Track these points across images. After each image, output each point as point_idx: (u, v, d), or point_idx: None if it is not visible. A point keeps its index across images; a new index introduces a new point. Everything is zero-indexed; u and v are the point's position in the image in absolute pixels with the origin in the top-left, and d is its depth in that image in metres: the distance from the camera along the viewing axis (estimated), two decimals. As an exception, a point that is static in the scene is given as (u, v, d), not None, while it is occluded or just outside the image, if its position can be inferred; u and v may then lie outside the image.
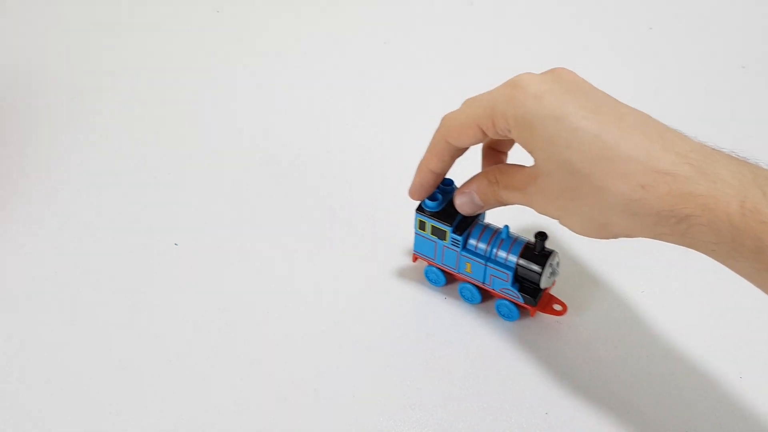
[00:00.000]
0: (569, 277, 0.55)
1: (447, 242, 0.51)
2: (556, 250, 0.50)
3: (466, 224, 0.50)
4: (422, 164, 0.49)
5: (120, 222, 0.60)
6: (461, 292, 0.53)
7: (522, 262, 0.49)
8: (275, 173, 0.65)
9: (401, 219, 0.56)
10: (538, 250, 0.49)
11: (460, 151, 0.47)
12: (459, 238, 0.50)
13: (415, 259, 0.55)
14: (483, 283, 0.51)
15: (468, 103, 0.46)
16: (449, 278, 0.54)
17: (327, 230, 0.59)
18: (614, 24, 0.84)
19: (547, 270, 0.48)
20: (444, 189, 0.51)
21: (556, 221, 0.43)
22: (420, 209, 0.52)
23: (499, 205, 0.48)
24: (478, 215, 0.51)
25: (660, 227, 0.38)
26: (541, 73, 0.43)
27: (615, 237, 0.42)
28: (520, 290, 0.50)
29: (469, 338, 0.52)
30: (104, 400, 0.48)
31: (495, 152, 0.51)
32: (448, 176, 0.51)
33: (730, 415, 0.47)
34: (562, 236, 0.57)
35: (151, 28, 0.82)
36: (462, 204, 0.49)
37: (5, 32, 0.81)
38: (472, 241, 0.51)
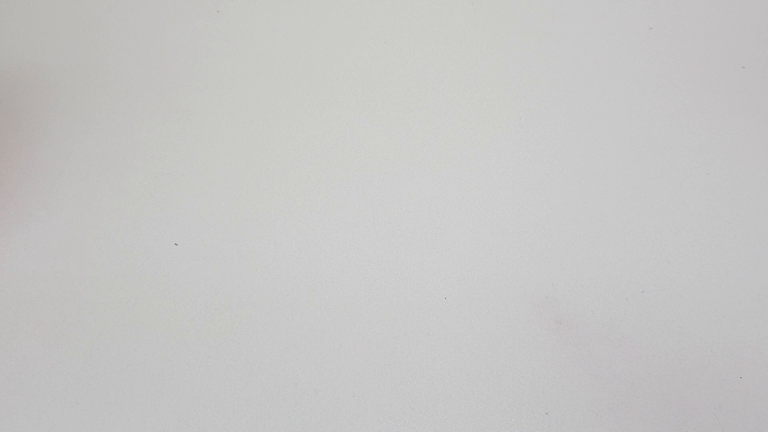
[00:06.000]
0: (569, 276, 0.55)
1: None
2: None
3: None
4: None
5: (120, 222, 0.60)
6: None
7: None
8: (275, 173, 0.65)
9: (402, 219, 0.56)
10: None
11: None
12: None
13: None
14: None
15: None
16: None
17: (326, 229, 0.59)
18: (614, 24, 0.84)
19: None
20: None
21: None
22: None
23: None
24: None
25: None
26: None
27: None
28: None
29: (468, 338, 0.52)
30: (103, 399, 0.48)
31: None
32: None
33: (730, 415, 0.47)
34: (563, 237, 0.57)
35: (151, 27, 0.82)
36: None
37: (5, 32, 0.81)
38: None
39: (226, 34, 0.81)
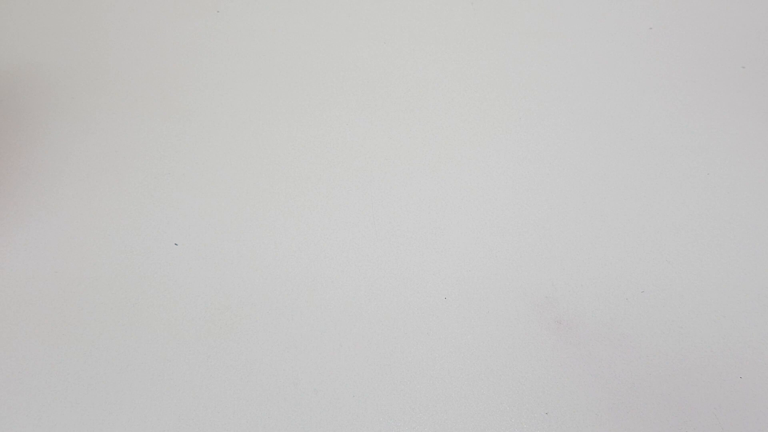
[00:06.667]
0: (569, 276, 0.55)
1: None
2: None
3: None
4: None
5: (120, 222, 0.60)
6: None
7: None
8: (275, 173, 0.65)
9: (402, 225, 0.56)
10: None
11: None
12: None
13: None
14: None
15: None
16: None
17: (326, 229, 0.59)
18: (614, 24, 0.84)
19: None
20: None
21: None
22: None
23: None
24: None
25: None
26: None
27: None
28: None
29: (468, 338, 0.52)
30: (103, 399, 0.48)
31: None
32: None
33: (730, 415, 0.47)
34: (563, 237, 0.57)
35: (151, 27, 0.82)
36: None
37: (5, 32, 0.81)
38: None
39: (226, 34, 0.81)
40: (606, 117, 0.69)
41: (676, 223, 0.59)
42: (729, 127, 0.68)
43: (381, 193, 0.62)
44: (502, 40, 0.81)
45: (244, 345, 0.51)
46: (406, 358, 0.51)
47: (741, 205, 0.61)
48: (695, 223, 0.59)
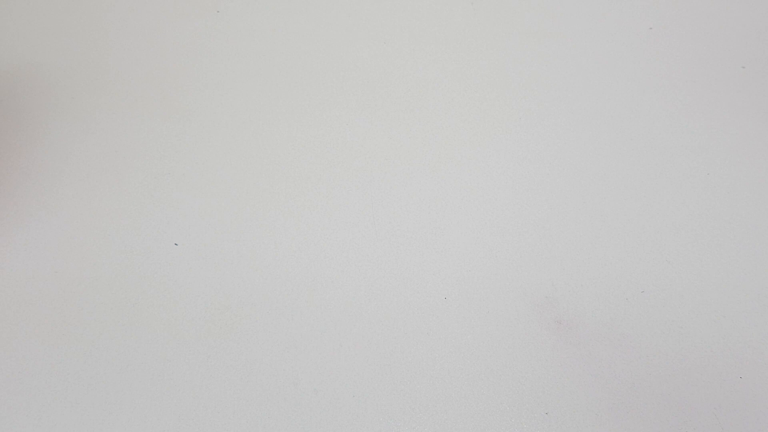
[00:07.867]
0: (569, 276, 0.55)
1: None
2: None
3: None
4: None
5: (120, 222, 0.60)
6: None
7: None
8: (275, 173, 0.65)
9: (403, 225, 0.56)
10: None
11: None
12: None
13: None
14: None
15: None
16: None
17: (326, 229, 0.59)
18: (614, 24, 0.84)
19: None
20: None
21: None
22: None
23: None
24: None
25: None
26: None
27: None
28: None
29: (468, 338, 0.52)
30: (103, 399, 0.48)
31: None
32: None
33: (730, 415, 0.47)
34: (563, 237, 0.57)
35: (151, 27, 0.82)
36: None
37: (5, 32, 0.81)
38: None
39: (226, 34, 0.81)
40: (606, 117, 0.69)
41: (676, 223, 0.59)
42: (729, 127, 0.68)
43: (381, 193, 0.62)
44: (502, 40, 0.81)
45: (244, 345, 0.52)
46: (406, 358, 0.51)
47: (741, 205, 0.61)
48: (695, 223, 0.59)
